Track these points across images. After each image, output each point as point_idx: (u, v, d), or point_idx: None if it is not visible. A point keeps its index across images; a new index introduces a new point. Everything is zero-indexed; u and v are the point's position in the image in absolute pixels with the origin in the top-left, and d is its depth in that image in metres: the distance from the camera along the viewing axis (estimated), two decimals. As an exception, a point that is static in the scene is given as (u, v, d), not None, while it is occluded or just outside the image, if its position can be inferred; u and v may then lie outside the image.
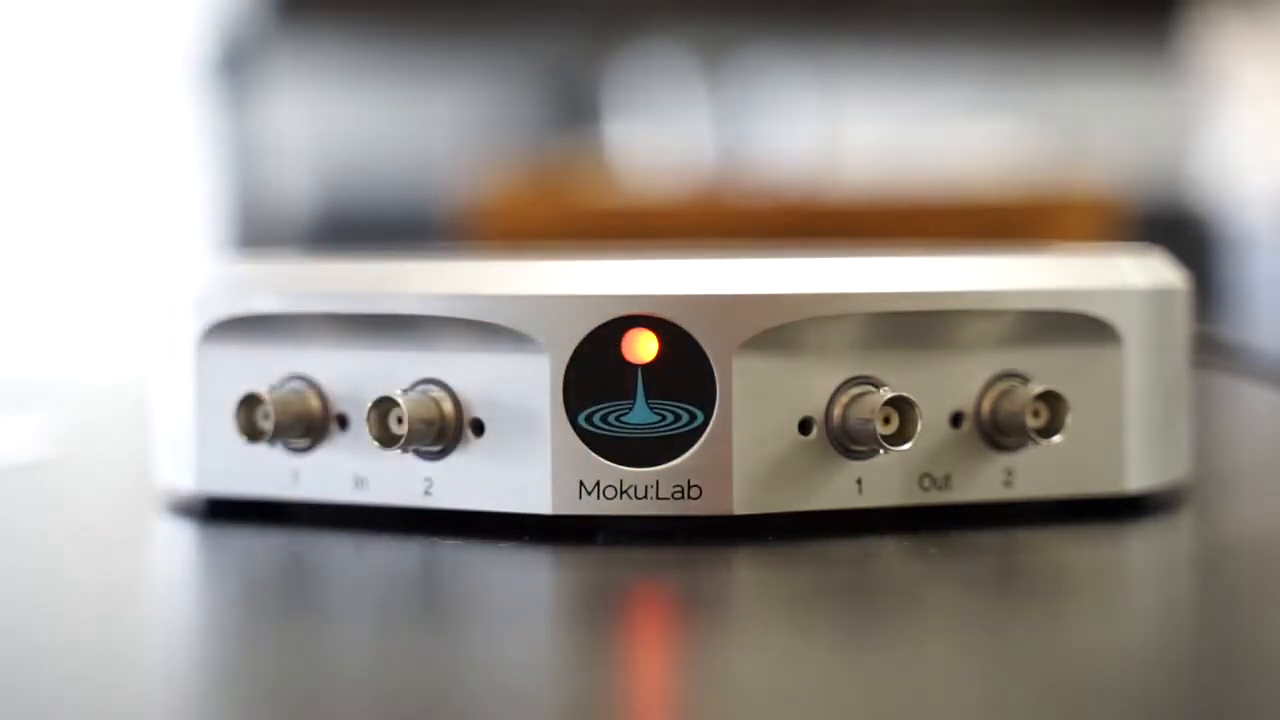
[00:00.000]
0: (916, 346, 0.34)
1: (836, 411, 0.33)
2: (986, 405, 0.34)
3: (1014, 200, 1.21)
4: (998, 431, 0.34)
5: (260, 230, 1.81)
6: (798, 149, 1.83)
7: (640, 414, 0.33)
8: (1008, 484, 0.35)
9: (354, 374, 0.35)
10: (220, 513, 0.37)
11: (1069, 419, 0.34)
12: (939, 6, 1.94)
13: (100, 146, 1.85)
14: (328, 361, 0.35)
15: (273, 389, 0.35)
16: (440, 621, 0.29)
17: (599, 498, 0.33)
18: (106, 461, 0.50)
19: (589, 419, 0.33)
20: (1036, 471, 0.35)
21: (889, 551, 0.33)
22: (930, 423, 0.34)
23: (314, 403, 0.35)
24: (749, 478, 0.33)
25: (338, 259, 0.36)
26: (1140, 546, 0.35)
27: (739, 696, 0.24)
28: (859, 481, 0.34)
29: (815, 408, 0.33)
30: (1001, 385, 0.34)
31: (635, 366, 0.33)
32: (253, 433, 0.35)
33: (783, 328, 0.33)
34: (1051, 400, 0.34)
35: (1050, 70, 1.94)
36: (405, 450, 0.34)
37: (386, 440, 0.33)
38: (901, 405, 0.33)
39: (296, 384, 0.35)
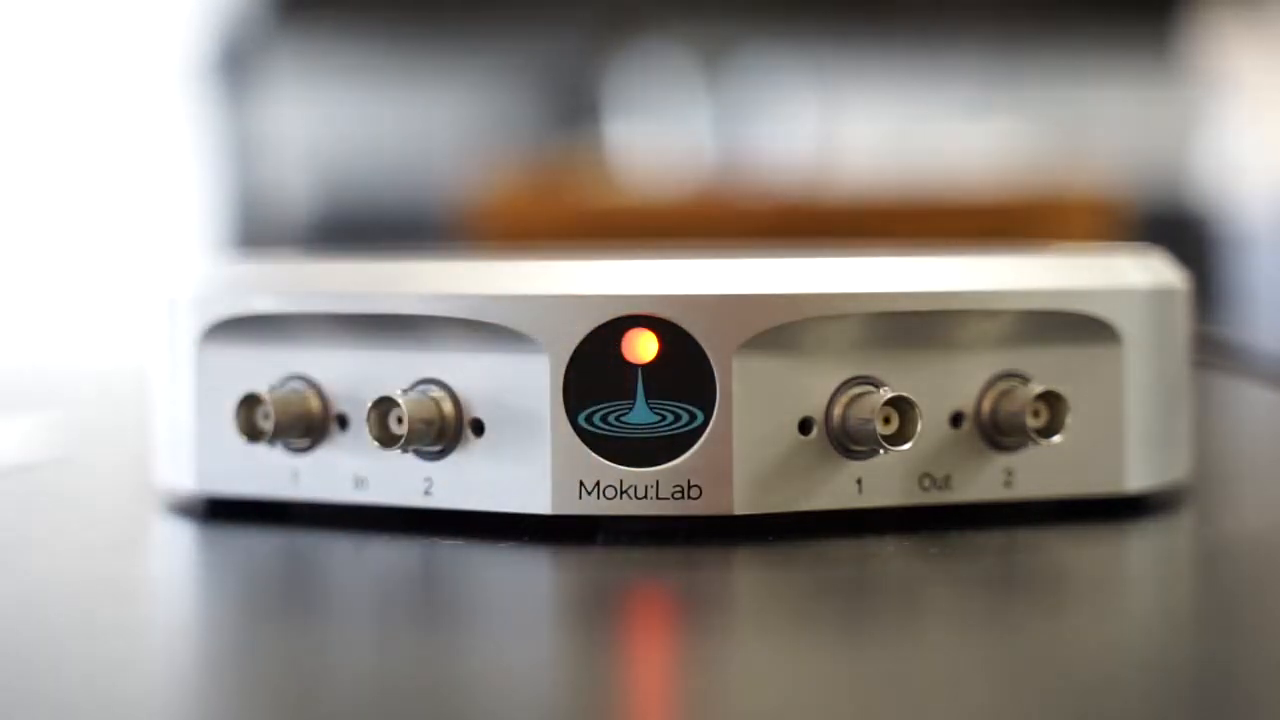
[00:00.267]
0: (916, 346, 0.34)
1: (836, 411, 0.33)
2: (986, 405, 0.34)
3: (1014, 200, 1.21)
4: (998, 431, 0.34)
5: (260, 230, 1.81)
6: (797, 149, 1.83)
7: (640, 414, 0.33)
8: (1008, 484, 0.35)
9: (354, 374, 0.35)
10: (220, 513, 0.37)
11: (1069, 419, 0.34)
12: (939, 6, 1.94)
13: (100, 146, 1.85)
14: (328, 361, 0.35)
15: (273, 389, 0.35)
16: (440, 621, 0.29)
17: (599, 498, 0.33)
18: (106, 461, 0.50)
19: (589, 419, 0.33)
20: (1036, 471, 0.35)
21: (889, 551, 0.33)
22: (930, 423, 0.34)
23: (314, 403, 0.35)
24: (749, 478, 0.33)
25: (337, 259, 0.36)
26: (1140, 546, 0.35)
27: (739, 696, 0.24)
28: (859, 481, 0.34)
29: (815, 408, 0.33)
30: (1001, 385, 0.34)
31: (635, 366, 0.33)
32: (253, 433, 0.35)
33: (783, 328, 0.33)
34: (1051, 400, 0.34)
35: (1050, 70, 1.94)
36: (405, 450, 0.34)
37: (386, 440, 0.33)
38: (901, 405, 0.33)
39: (296, 384, 0.35)
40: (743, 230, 1.11)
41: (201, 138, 1.86)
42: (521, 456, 0.33)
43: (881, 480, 0.34)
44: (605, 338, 0.33)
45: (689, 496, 0.33)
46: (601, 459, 0.33)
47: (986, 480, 0.34)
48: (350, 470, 0.35)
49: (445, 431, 0.34)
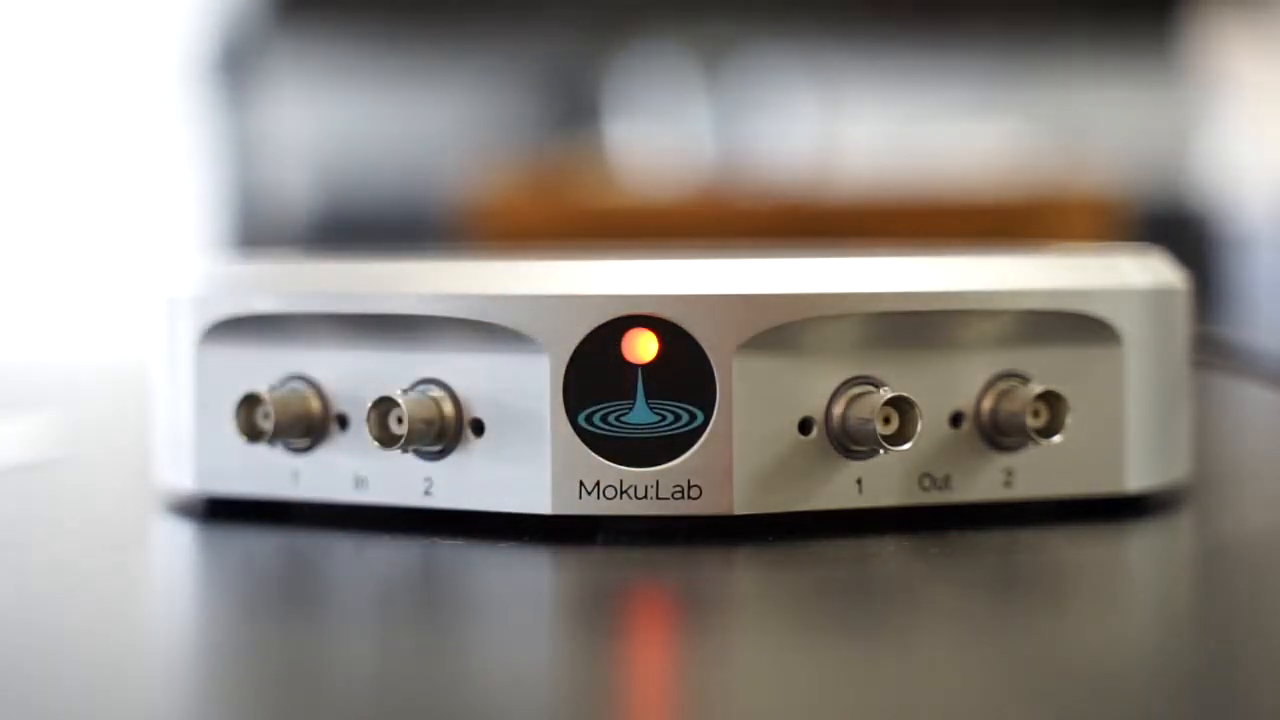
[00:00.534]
0: (916, 346, 0.34)
1: (836, 411, 0.33)
2: (986, 405, 0.34)
3: (1014, 200, 1.21)
4: (998, 431, 0.34)
5: (260, 230, 1.81)
6: (797, 149, 1.83)
7: (640, 414, 0.33)
8: (1008, 484, 0.35)
9: (354, 374, 0.35)
10: (220, 513, 0.37)
11: (1069, 419, 0.34)
12: (939, 6, 1.94)
13: (100, 146, 1.85)
14: (328, 361, 0.35)
15: (273, 389, 0.35)
16: (440, 621, 0.29)
17: (599, 498, 0.33)
18: (106, 461, 0.50)
19: (589, 419, 0.33)
20: (1036, 471, 0.35)
21: (889, 551, 0.33)
22: (930, 423, 0.34)
23: (314, 403, 0.35)
24: (749, 478, 0.33)
25: (338, 259, 0.36)
26: (1140, 546, 0.35)
27: (739, 696, 0.24)
28: (859, 481, 0.34)
29: (815, 408, 0.33)
30: (1001, 385, 0.34)
31: (635, 366, 0.33)
32: (253, 433, 0.35)
33: (783, 328, 0.33)
34: (1051, 400, 0.34)
35: (1050, 70, 1.94)
36: (405, 450, 0.34)
37: (386, 440, 0.33)
38: (901, 405, 0.33)
39: (296, 384, 0.35)
40: (743, 230, 1.12)
41: (201, 138, 1.86)
42: (521, 456, 0.33)
43: (881, 480, 0.34)
44: (605, 338, 0.33)
45: (689, 496, 0.33)
46: (601, 459, 0.33)
47: (986, 480, 0.34)
48: (350, 470, 0.35)
49: (445, 431, 0.34)
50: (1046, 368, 0.35)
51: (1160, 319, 0.36)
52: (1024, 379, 0.34)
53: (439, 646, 0.27)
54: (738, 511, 0.33)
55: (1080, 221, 1.17)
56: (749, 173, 1.60)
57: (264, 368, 0.36)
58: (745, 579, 0.32)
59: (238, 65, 1.86)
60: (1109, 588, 0.32)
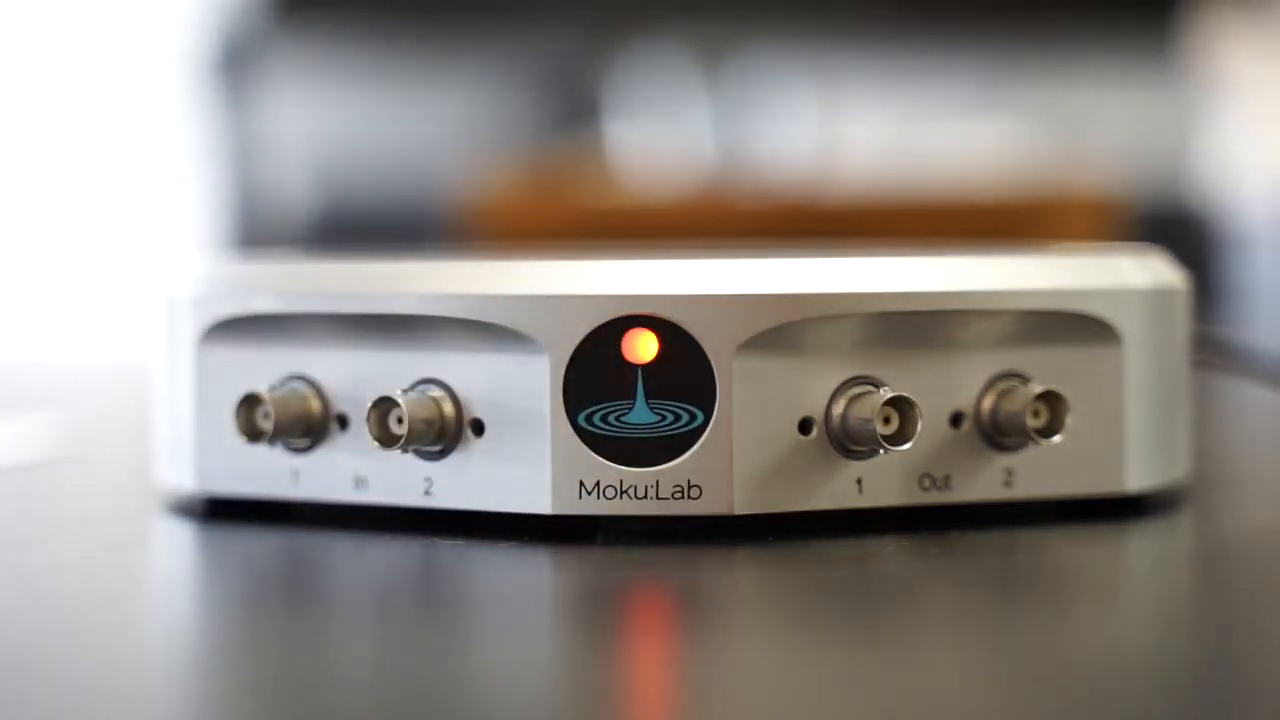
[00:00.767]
0: (916, 346, 0.34)
1: (836, 411, 0.33)
2: (986, 405, 0.34)
3: (1014, 200, 1.21)
4: (998, 431, 0.34)
5: (260, 230, 1.81)
6: (797, 149, 1.83)
7: (640, 414, 0.33)
8: (1008, 484, 0.35)
9: (354, 374, 0.35)
10: (220, 513, 0.37)
11: (1069, 419, 0.34)
12: (939, 6, 1.94)
13: (99, 146, 1.85)
14: (328, 361, 0.35)
15: (273, 389, 0.35)
16: (440, 621, 0.29)
17: (599, 498, 0.33)
18: (106, 461, 0.50)
19: (589, 419, 0.33)
20: (1036, 471, 0.35)
21: (889, 551, 0.33)
22: (930, 423, 0.34)
23: (314, 403, 0.35)
24: (749, 478, 0.33)
25: (337, 259, 0.36)
26: (1140, 546, 0.35)
27: (739, 696, 0.24)
28: (859, 481, 0.34)
29: (815, 408, 0.33)
30: (1001, 385, 0.34)
31: (635, 366, 0.33)
32: (253, 433, 0.35)
33: (783, 328, 0.33)
34: (1051, 400, 0.34)
35: (1050, 70, 1.94)
36: (405, 450, 0.34)
37: (386, 440, 0.33)
38: (901, 405, 0.33)
39: (296, 384, 0.35)
40: (743, 230, 1.12)
41: (201, 138, 1.86)
42: (521, 456, 0.33)
43: (881, 480, 0.34)
44: (605, 338, 0.33)
45: (689, 496, 0.33)
46: (601, 459, 0.33)
47: (986, 480, 0.34)
48: (350, 470, 0.35)
49: (445, 431, 0.34)
50: (1046, 368, 0.35)
51: (1160, 319, 0.36)
52: (1024, 379, 0.34)
53: (439, 646, 0.27)
54: (738, 511, 0.33)
55: (1080, 221, 1.17)
56: (749, 173, 1.60)
57: (264, 368, 0.36)
58: (745, 579, 0.32)
59: (237, 65, 1.86)
60: (1109, 588, 0.32)
